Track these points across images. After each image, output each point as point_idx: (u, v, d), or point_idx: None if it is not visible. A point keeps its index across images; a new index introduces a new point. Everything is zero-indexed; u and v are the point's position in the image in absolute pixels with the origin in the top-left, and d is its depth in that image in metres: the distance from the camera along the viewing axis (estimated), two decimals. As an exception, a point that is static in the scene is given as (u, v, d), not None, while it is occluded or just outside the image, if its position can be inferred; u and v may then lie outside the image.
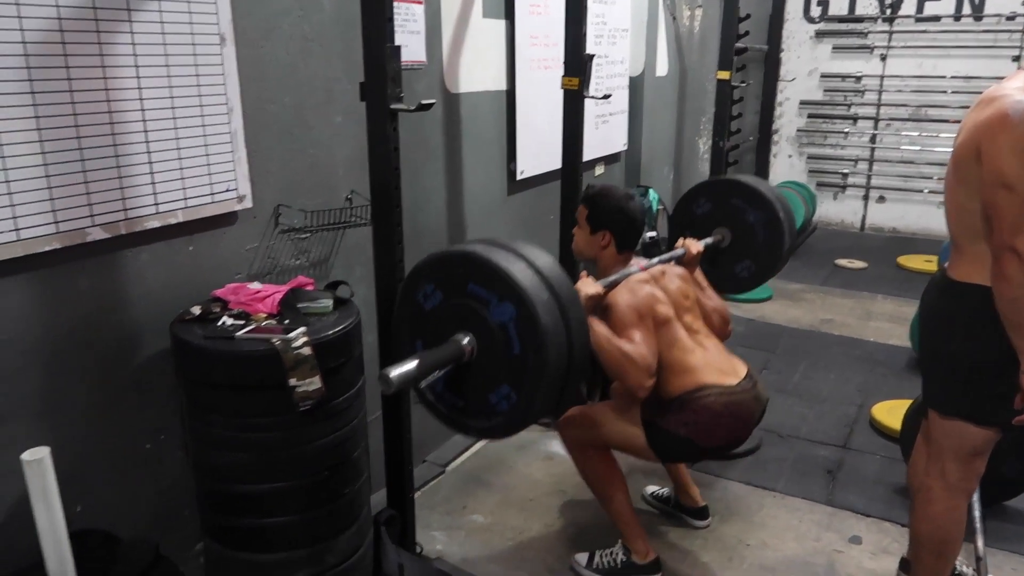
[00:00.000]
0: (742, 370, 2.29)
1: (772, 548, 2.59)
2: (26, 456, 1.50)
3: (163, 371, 2.00)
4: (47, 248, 1.69)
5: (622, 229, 2.33)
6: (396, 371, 1.53)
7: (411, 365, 1.56)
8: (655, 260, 2.40)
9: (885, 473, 3.04)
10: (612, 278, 2.21)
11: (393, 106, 1.98)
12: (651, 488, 2.85)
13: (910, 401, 3.53)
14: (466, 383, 1.72)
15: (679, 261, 2.50)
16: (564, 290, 1.65)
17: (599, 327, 2.08)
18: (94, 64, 1.72)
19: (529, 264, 1.64)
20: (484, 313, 1.63)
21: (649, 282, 2.25)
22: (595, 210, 2.34)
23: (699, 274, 2.56)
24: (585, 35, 2.93)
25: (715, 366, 2.25)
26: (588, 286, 2.09)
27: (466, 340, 1.66)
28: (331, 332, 1.84)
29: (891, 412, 3.45)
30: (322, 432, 1.88)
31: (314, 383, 1.78)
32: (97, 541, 1.75)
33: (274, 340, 1.75)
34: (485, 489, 2.92)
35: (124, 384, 1.93)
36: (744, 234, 2.96)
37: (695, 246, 2.53)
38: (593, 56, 2.96)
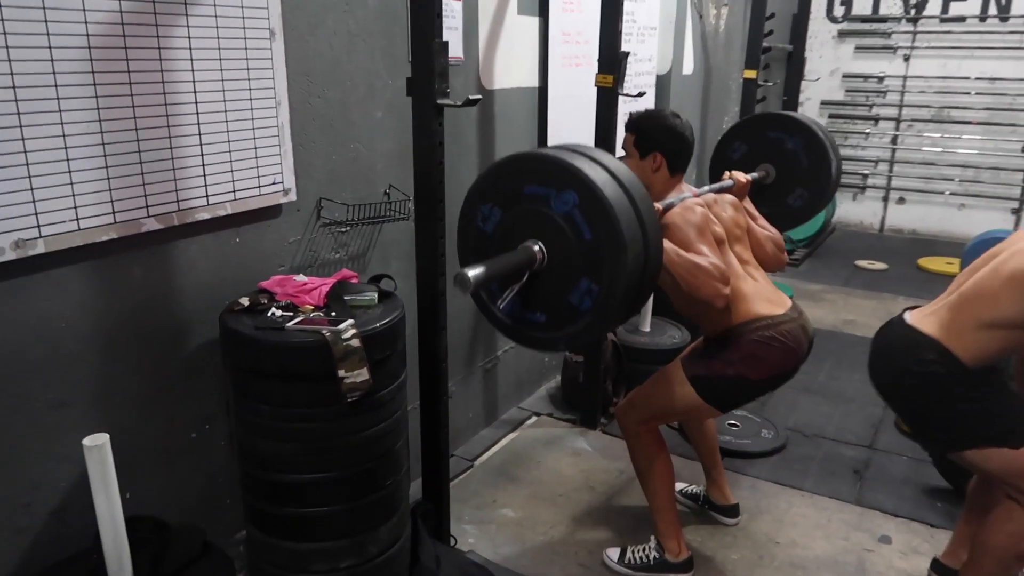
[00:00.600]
0: (788, 301, 2.29)
1: (802, 547, 2.60)
2: (87, 442, 1.53)
3: (209, 361, 2.03)
4: (105, 238, 1.72)
5: (673, 149, 2.28)
6: (473, 271, 1.49)
7: (484, 266, 1.52)
8: (705, 188, 2.37)
9: (912, 474, 3.05)
10: (668, 200, 2.18)
11: (440, 101, 2.00)
12: (681, 485, 2.86)
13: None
14: (544, 295, 1.68)
15: (728, 192, 2.47)
16: (619, 168, 1.62)
17: (669, 244, 2.02)
18: (152, 57, 1.75)
19: (582, 153, 1.62)
20: (546, 211, 1.60)
21: (702, 205, 2.23)
22: (643, 134, 2.29)
23: (749, 204, 2.53)
24: (620, 33, 2.94)
25: (764, 296, 2.25)
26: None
27: (536, 247, 1.63)
28: (378, 324, 1.86)
29: (917, 413, 3.45)
30: (367, 423, 1.90)
31: (362, 374, 1.80)
32: (148, 527, 1.78)
33: (324, 331, 1.78)
34: (514, 484, 2.94)
35: (173, 373, 1.96)
36: (788, 164, 2.92)
37: (742, 176, 2.50)
38: (628, 54, 2.97)
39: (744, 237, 2.38)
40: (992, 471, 2.00)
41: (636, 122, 2.32)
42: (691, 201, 2.21)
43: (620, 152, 3.49)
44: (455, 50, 2.71)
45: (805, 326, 2.27)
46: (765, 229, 2.49)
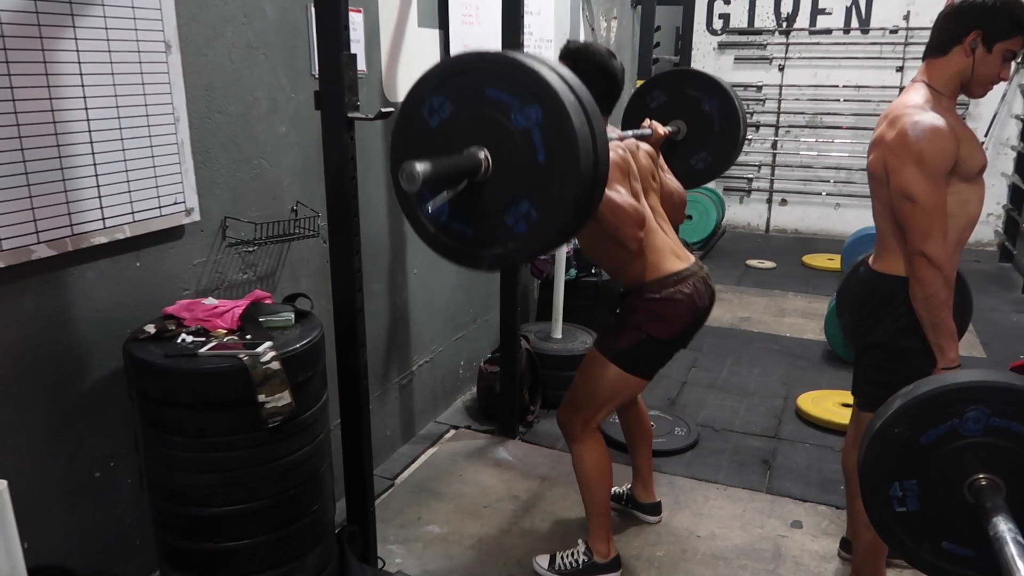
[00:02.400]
0: (691, 255, 2.35)
1: (721, 538, 2.69)
2: (-18, 490, 1.40)
3: (113, 393, 1.91)
4: (-9, 267, 1.58)
5: (604, 89, 2.20)
6: (420, 165, 1.39)
7: (432, 162, 1.42)
8: (628, 132, 2.37)
9: (815, 460, 3.21)
10: None
11: (351, 115, 1.96)
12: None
13: (831, 391, 3.77)
14: (477, 207, 1.57)
15: (645, 140, 2.48)
16: (585, 95, 1.53)
17: None
18: (37, 72, 1.63)
19: (550, 68, 1.51)
20: (504, 120, 1.48)
21: (627, 153, 2.24)
22: (575, 67, 2.19)
23: (660, 158, 2.55)
24: (522, 44, 2.98)
25: (671, 249, 2.29)
26: None
27: (482, 154, 1.52)
28: (298, 345, 1.80)
29: (815, 402, 3.65)
30: (290, 448, 1.83)
31: (284, 398, 1.74)
32: (54, 577, 1.64)
33: (241, 356, 1.70)
34: (437, 499, 2.90)
35: (72, 409, 1.83)
36: (700, 124, 2.95)
37: (660, 128, 2.51)
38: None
39: (657, 189, 2.40)
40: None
41: (571, 53, 2.26)
42: (614, 143, 2.20)
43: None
44: (358, 63, 2.67)
45: (707, 278, 2.33)
46: (672, 182, 2.52)
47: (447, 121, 1.57)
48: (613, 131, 2.29)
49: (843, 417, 3.37)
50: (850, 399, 2.33)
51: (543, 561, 2.49)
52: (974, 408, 1.44)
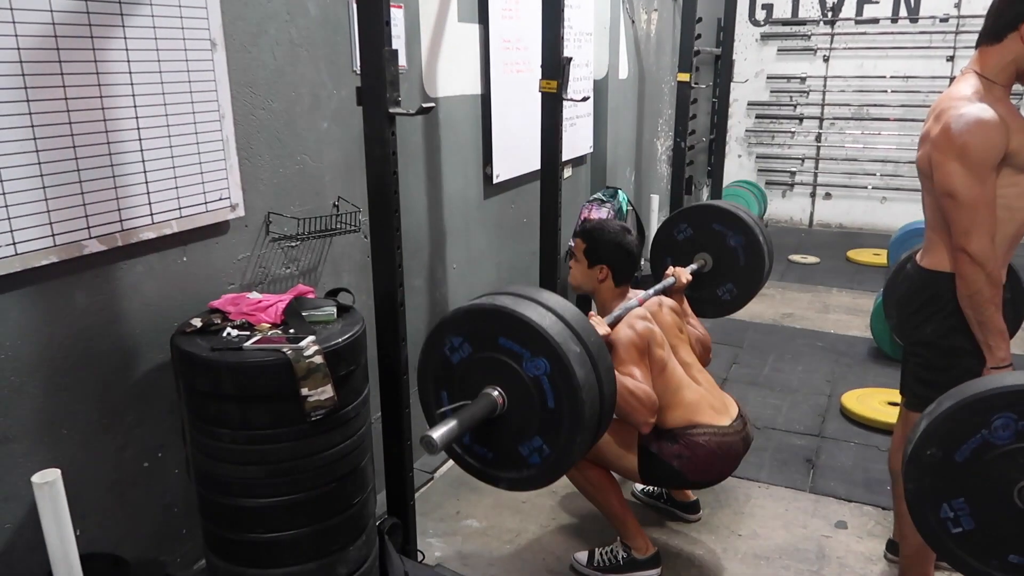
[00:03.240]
0: (733, 409, 2.37)
1: (763, 537, 2.65)
2: (36, 479, 1.44)
3: (161, 385, 1.95)
4: (44, 262, 1.62)
5: (620, 264, 2.37)
6: (438, 432, 1.53)
7: (452, 424, 1.56)
8: (651, 292, 2.44)
9: (861, 459, 3.15)
10: (615, 314, 2.24)
11: (392, 110, 1.96)
12: (640, 486, 2.89)
13: (877, 389, 3.68)
14: (495, 435, 1.72)
15: (669, 290, 2.55)
16: (593, 341, 1.68)
17: None
18: (88, 71, 1.67)
19: (559, 317, 1.66)
20: (516, 367, 1.64)
21: (647, 318, 2.28)
22: (592, 244, 2.37)
23: (685, 304, 2.62)
24: (562, 38, 2.96)
25: (708, 403, 2.31)
26: (599, 326, 2.07)
27: (496, 393, 1.67)
28: (340, 340, 1.82)
29: (860, 400, 3.58)
30: (332, 442, 1.84)
31: (326, 392, 1.75)
32: (105, 565, 1.69)
33: (285, 349, 1.72)
34: (476, 493, 2.91)
35: (122, 401, 1.87)
36: (726, 258, 3.02)
37: (684, 275, 2.59)
38: (571, 59, 2.99)
39: (685, 340, 2.46)
40: None
41: (588, 232, 2.39)
42: (636, 313, 2.26)
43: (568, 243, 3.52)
44: (399, 58, 2.68)
45: (747, 437, 2.35)
46: (696, 329, 2.58)
47: (466, 360, 1.74)
48: (634, 295, 2.38)
49: (889, 416, 3.29)
50: (897, 397, 2.27)
51: (581, 557, 2.48)
52: (999, 416, 1.40)
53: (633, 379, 2.13)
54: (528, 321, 1.62)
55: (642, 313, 2.29)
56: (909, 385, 2.17)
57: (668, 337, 2.35)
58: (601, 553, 2.46)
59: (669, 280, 2.57)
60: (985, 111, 1.82)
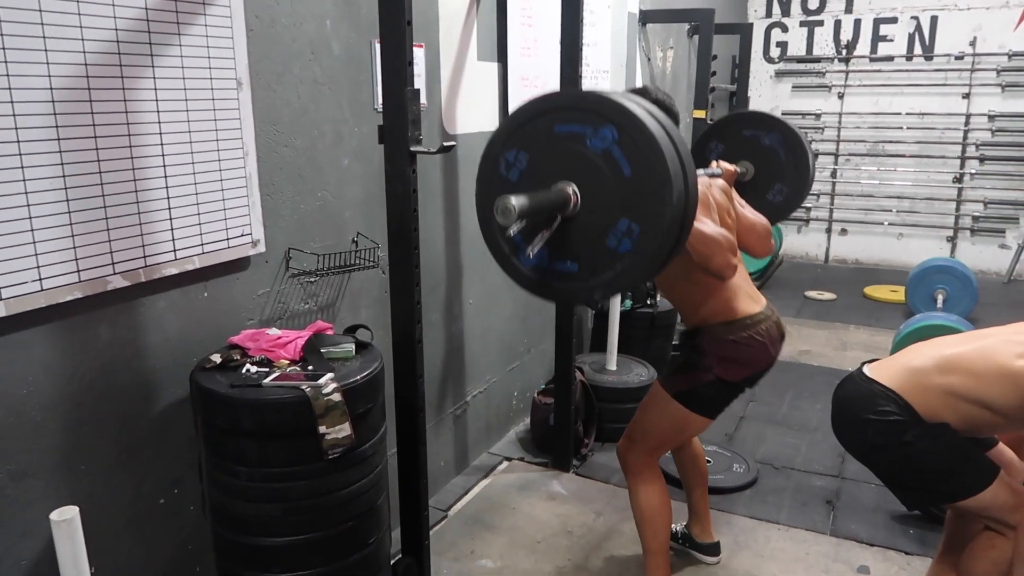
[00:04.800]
0: (763, 298, 2.33)
1: (784, 581, 2.60)
2: (55, 516, 1.44)
3: (179, 421, 1.95)
4: (69, 298, 1.64)
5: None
6: (516, 198, 1.40)
7: (527, 195, 1.44)
8: (700, 171, 2.35)
9: (882, 501, 3.09)
10: None
11: (413, 148, 1.98)
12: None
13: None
14: (576, 242, 1.58)
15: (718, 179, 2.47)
16: (656, 111, 1.55)
17: None
18: (118, 110, 1.70)
19: (611, 93, 1.55)
20: (581, 150, 1.51)
21: (704, 188, 2.22)
22: None
23: (735, 193, 2.52)
24: (580, 76, 2.98)
25: (746, 291, 2.26)
26: None
27: (569, 188, 1.54)
28: (359, 377, 1.81)
29: (880, 440, 3.52)
30: (349, 480, 1.83)
31: (344, 430, 1.75)
32: (119, 603, 1.67)
33: (303, 387, 1.72)
34: (491, 532, 2.88)
35: (141, 436, 1.87)
36: (766, 160, 2.94)
37: (728, 165, 2.51)
38: (589, 97, 3.00)
39: (733, 228, 2.37)
40: (971, 512, 2.05)
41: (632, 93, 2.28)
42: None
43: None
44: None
45: (779, 323, 2.31)
46: (753, 215, 2.48)
47: (526, 170, 1.60)
48: None
49: (911, 457, 3.24)
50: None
51: None
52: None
53: (706, 225, 2.04)
54: (579, 95, 1.51)
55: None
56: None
57: (719, 215, 2.27)
58: None
59: (716, 170, 2.47)
60: None
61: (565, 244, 1.60)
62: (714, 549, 2.68)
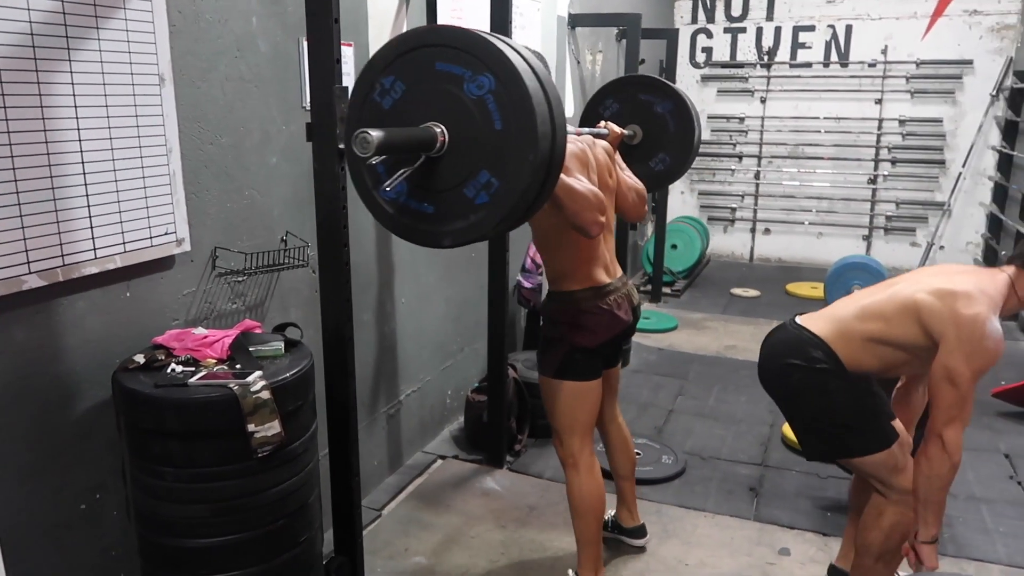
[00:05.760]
0: (619, 270, 2.44)
1: (711, 566, 2.69)
2: (-31, 522, 1.39)
3: (100, 425, 1.90)
4: (-18, 297, 1.58)
5: None
6: (375, 131, 1.39)
7: (388, 130, 1.43)
8: (585, 130, 2.44)
9: (802, 487, 3.23)
10: None
11: (341, 146, 1.98)
12: None
13: (817, 418, 3.78)
14: (436, 183, 1.57)
15: (603, 139, 2.54)
16: (539, 67, 1.55)
17: None
18: (32, 104, 1.65)
19: (503, 40, 1.53)
20: (457, 92, 1.49)
21: (586, 146, 2.31)
22: None
23: (619, 157, 2.61)
24: (510, 78, 3.02)
25: (604, 262, 2.36)
26: None
27: (437, 128, 1.52)
28: (288, 375, 1.81)
29: (801, 430, 3.67)
30: (280, 478, 1.82)
31: (273, 427, 1.74)
32: (39, 611, 1.62)
33: (231, 385, 1.70)
34: (425, 530, 2.89)
35: (60, 440, 1.82)
36: (655, 127, 3.03)
37: (616, 127, 2.59)
38: (518, 98, 3.05)
39: (613, 190, 2.45)
40: (863, 471, 2.20)
41: None
42: (573, 136, 2.28)
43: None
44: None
45: (630, 294, 2.42)
46: (631, 178, 2.58)
47: (399, 101, 1.57)
48: (569, 127, 2.35)
49: (829, 445, 3.39)
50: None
51: None
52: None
53: (580, 181, 2.10)
54: (467, 35, 1.48)
55: (576, 138, 2.30)
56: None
57: (599, 176, 2.35)
58: None
59: (602, 130, 2.55)
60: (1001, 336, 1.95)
61: (425, 185, 1.59)
62: (641, 532, 2.76)
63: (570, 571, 2.47)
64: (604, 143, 2.49)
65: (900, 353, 2.07)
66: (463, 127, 1.52)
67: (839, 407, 2.11)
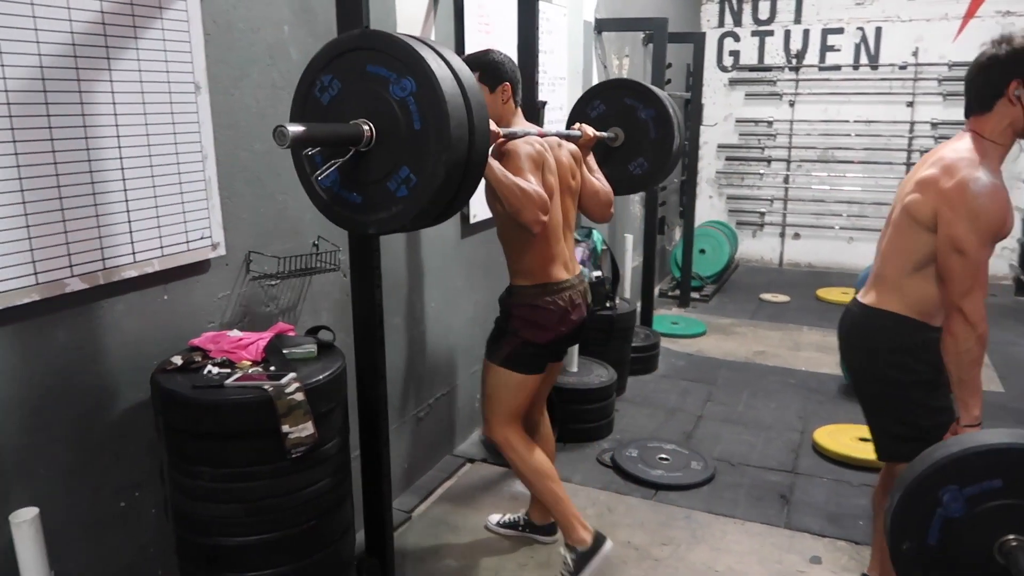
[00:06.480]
0: (578, 268, 2.55)
1: (739, 573, 2.67)
2: (15, 518, 1.43)
3: (139, 424, 1.94)
4: (26, 300, 1.63)
5: (516, 80, 2.42)
6: (293, 127, 1.50)
7: (309, 125, 1.55)
8: (552, 131, 2.51)
9: (834, 495, 3.19)
10: (514, 130, 2.30)
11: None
12: (495, 517, 2.95)
13: (848, 425, 3.75)
14: (364, 176, 1.68)
15: (573, 141, 2.59)
16: (465, 75, 1.65)
17: (497, 165, 2.17)
18: (74, 112, 1.69)
19: (431, 47, 1.64)
20: (384, 93, 1.61)
21: (544, 146, 2.37)
22: (490, 67, 2.38)
23: (591, 159, 2.68)
24: (537, 82, 3.04)
25: (562, 260, 2.45)
26: (490, 124, 2.13)
27: (365, 126, 1.63)
28: (321, 377, 1.83)
29: (832, 436, 3.64)
30: (313, 479, 1.85)
31: (307, 429, 1.76)
32: (79, 607, 1.66)
33: (266, 387, 1.73)
34: (454, 533, 2.90)
35: (100, 439, 1.86)
36: (637, 132, 3.12)
37: (591, 130, 2.65)
38: (545, 103, 3.08)
39: (575, 191, 2.53)
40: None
41: (478, 59, 2.40)
42: (534, 138, 2.34)
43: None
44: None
45: (584, 291, 2.52)
46: (599, 181, 2.64)
47: (336, 98, 1.68)
48: (531, 127, 2.44)
49: (860, 452, 3.35)
50: (867, 433, 2.32)
51: None
52: (945, 491, 1.46)
53: (527, 182, 2.18)
54: (397, 41, 1.59)
55: (540, 140, 2.36)
56: (869, 427, 2.23)
57: (560, 177, 2.43)
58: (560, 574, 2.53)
59: (575, 132, 2.61)
60: (998, 182, 1.90)
61: (355, 176, 1.70)
62: (551, 529, 2.81)
63: (561, 548, 2.53)
64: (571, 146, 2.56)
65: (932, 268, 2.02)
66: (388, 125, 1.62)
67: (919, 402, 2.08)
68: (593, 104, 3.18)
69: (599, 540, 2.48)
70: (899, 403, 2.11)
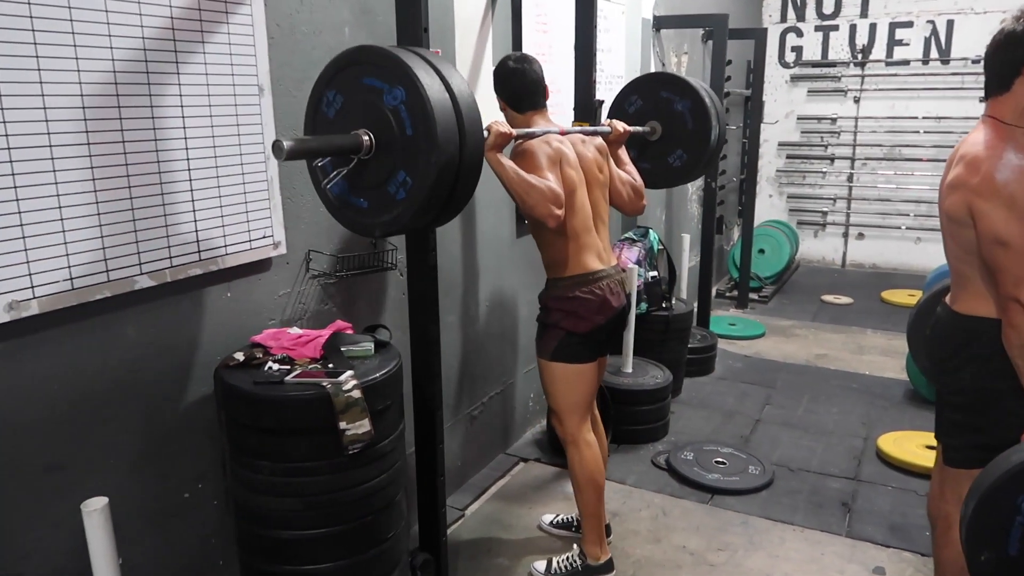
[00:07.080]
0: (614, 259, 2.55)
1: (799, 581, 2.61)
2: (86, 506, 1.49)
3: (202, 418, 2.00)
4: (98, 296, 1.69)
5: (511, 92, 2.45)
6: (288, 141, 1.58)
7: (305, 139, 1.66)
8: (576, 128, 2.51)
9: (898, 503, 3.09)
10: (529, 130, 2.32)
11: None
12: (548, 516, 2.95)
13: (914, 432, 3.62)
14: (368, 182, 1.77)
15: (604, 139, 2.60)
16: (457, 83, 1.73)
17: (509, 164, 2.19)
18: (145, 115, 1.75)
19: (424, 59, 1.72)
20: (379, 103, 1.70)
21: (563, 142, 2.38)
22: (494, 81, 2.47)
23: (623, 152, 2.68)
24: (595, 81, 3.03)
25: (597, 250, 2.45)
26: (501, 126, 2.18)
27: (365, 136, 1.71)
28: (378, 375, 1.86)
29: (897, 443, 3.52)
30: (369, 475, 1.87)
31: (363, 426, 1.79)
32: (146, 593, 1.72)
33: (324, 383, 1.76)
34: (507, 531, 2.91)
35: (166, 432, 1.92)
36: (674, 124, 3.11)
37: (621, 126, 2.65)
38: (603, 102, 3.05)
39: (605, 184, 2.53)
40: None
41: (494, 75, 2.48)
42: (554, 137, 2.36)
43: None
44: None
45: (623, 280, 2.52)
46: (629, 175, 2.64)
47: (340, 111, 1.79)
48: (556, 126, 2.46)
49: (927, 460, 3.24)
50: (934, 441, 2.24)
51: (540, 566, 2.59)
52: (1023, 497, 1.40)
53: (541, 178, 2.20)
54: (387, 54, 1.69)
55: (559, 137, 2.37)
56: (944, 437, 2.14)
57: (585, 171, 2.43)
58: (558, 561, 2.60)
59: (604, 128, 2.62)
60: (1022, 160, 1.82)
61: (360, 183, 1.80)
62: (607, 531, 2.76)
63: (575, 545, 2.58)
64: (599, 140, 2.56)
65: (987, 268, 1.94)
66: (385, 133, 1.71)
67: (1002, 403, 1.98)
68: (630, 100, 3.19)
69: (608, 566, 2.56)
70: (992, 412, 2.01)
